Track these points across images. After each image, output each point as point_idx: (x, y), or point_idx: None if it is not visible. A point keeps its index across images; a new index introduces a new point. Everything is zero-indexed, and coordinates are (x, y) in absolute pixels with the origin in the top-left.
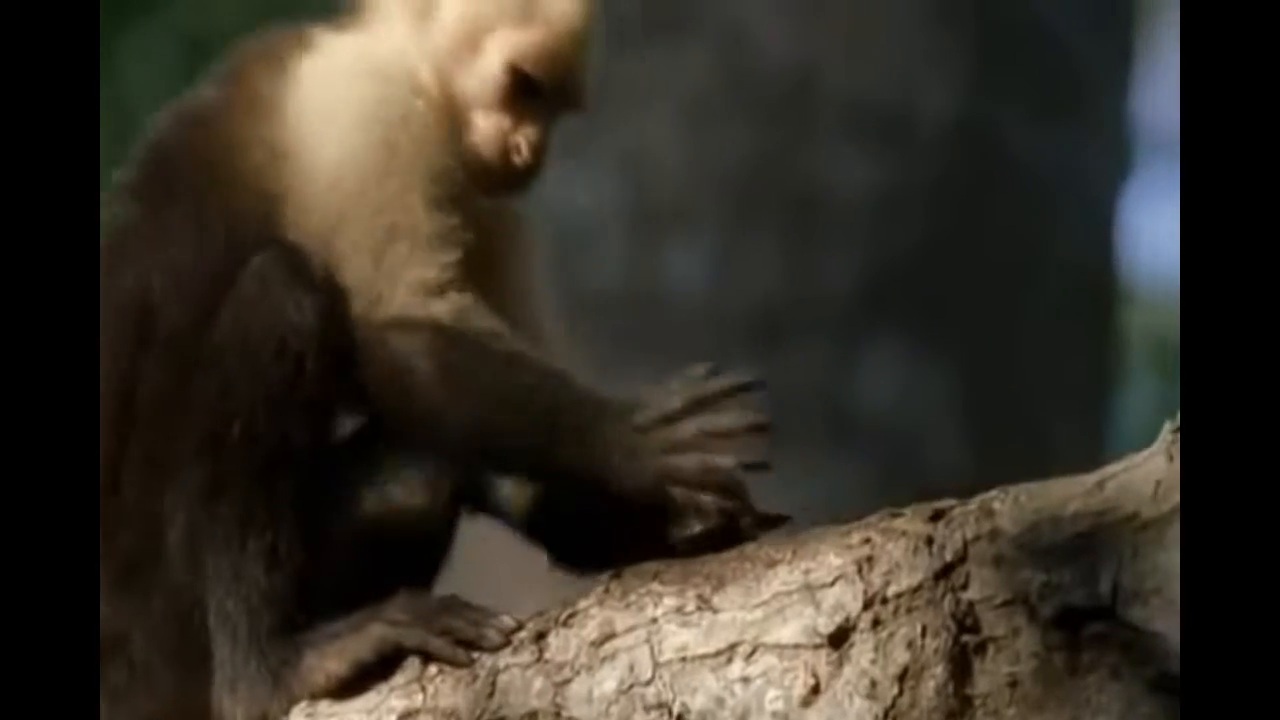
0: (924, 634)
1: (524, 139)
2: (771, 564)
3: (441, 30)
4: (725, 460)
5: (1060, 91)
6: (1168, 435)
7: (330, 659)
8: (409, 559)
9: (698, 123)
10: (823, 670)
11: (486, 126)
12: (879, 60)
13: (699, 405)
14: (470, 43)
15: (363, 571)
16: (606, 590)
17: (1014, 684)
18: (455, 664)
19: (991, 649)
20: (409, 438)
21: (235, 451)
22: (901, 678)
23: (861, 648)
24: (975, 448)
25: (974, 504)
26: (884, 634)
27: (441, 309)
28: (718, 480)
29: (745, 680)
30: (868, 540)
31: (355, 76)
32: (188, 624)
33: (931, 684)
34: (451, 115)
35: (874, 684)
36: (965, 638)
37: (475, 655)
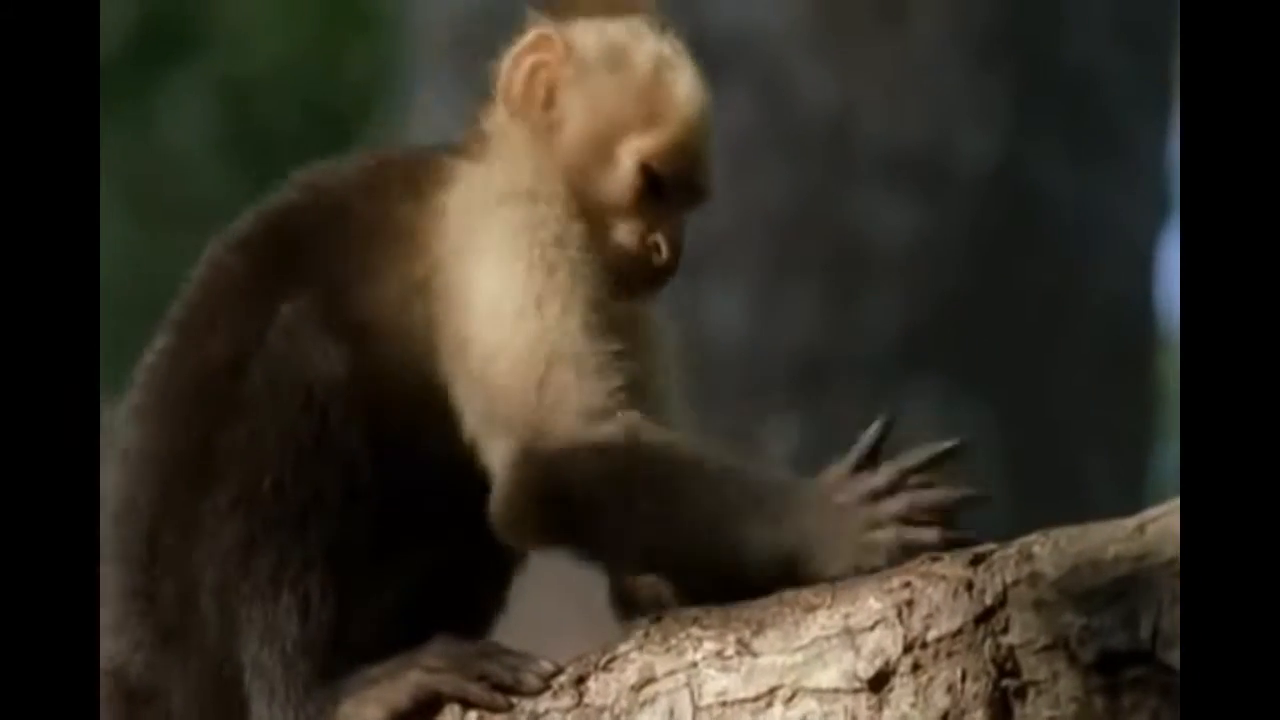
0: (964, 678)
1: (663, 238)
2: (811, 608)
3: (569, 144)
4: (928, 534)
5: (1098, 135)
6: None
7: (368, 706)
8: (460, 607)
9: (737, 167)
10: (863, 715)
11: (625, 231)
12: (918, 105)
13: (904, 477)
14: (599, 152)
15: (410, 622)
16: (646, 634)
17: None
18: (494, 709)
19: (1032, 693)
20: (590, 558)
21: (266, 504)
22: None
23: (901, 692)
24: (1015, 492)
25: (1014, 548)
26: (924, 678)
27: (611, 431)
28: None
29: None
30: (907, 584)
31: (502, 205)
32: (224, 680)
33: None
34: (591, 227)
35: None
36: (1005, 682)
37: (514, 701)
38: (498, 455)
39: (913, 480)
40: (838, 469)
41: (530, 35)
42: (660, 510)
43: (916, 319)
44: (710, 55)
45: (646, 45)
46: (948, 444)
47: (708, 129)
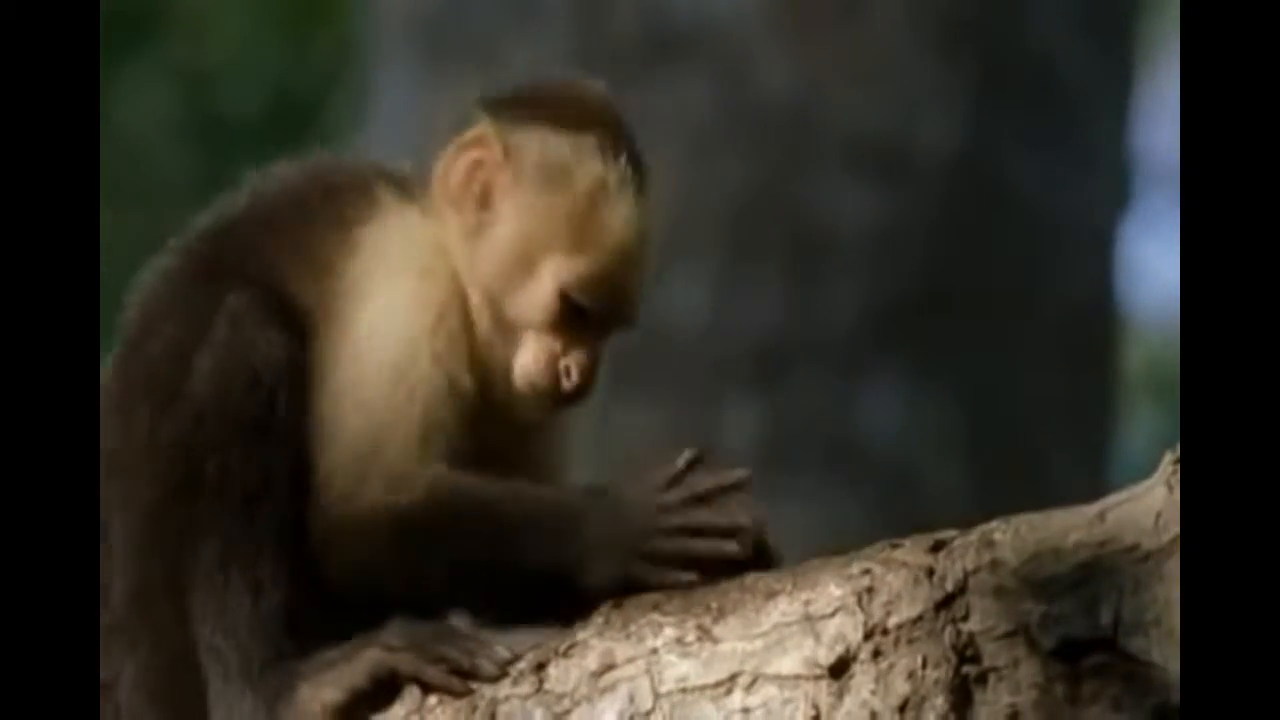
0: (924, 665)
1: (574, 363)
2: (771, 595)
3: (495, 249)
4: (703, 544)
5: (1059, 124)
6: (1168, 466)
7: (325, 688)
8: None
9: (698, 155)
10: (823, 701)
11: (536, 349)
12: (879, 92)
13: (689, 502)
14: (523, 265)
15: (363, 603)
16: (606, 621)
17: (1015, 715)
18: (451, 693)
19: (992, 680)
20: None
21: (212, 489)
22: (902, 709)
23: (862, 679)
24: (976, 479)
25: (975, 535)
26: (884, 665)
27: (408, 494)
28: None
29: (745, 711)
30: (868, 571)
31: (405, 265)
32: (176, 668)
33: (932, 715)
34: (504, 335)
35: (874, 715)
36: (966, 669)
37: (472, 686)
38: (318, 496)
39: (705, 498)
40: (643, 481)
41: (474, 132)
42: (450, 550)
43: (877, 306)
44: (671, 42)
45: (588, 167)
46: (737, 473)
47: (638, 260)
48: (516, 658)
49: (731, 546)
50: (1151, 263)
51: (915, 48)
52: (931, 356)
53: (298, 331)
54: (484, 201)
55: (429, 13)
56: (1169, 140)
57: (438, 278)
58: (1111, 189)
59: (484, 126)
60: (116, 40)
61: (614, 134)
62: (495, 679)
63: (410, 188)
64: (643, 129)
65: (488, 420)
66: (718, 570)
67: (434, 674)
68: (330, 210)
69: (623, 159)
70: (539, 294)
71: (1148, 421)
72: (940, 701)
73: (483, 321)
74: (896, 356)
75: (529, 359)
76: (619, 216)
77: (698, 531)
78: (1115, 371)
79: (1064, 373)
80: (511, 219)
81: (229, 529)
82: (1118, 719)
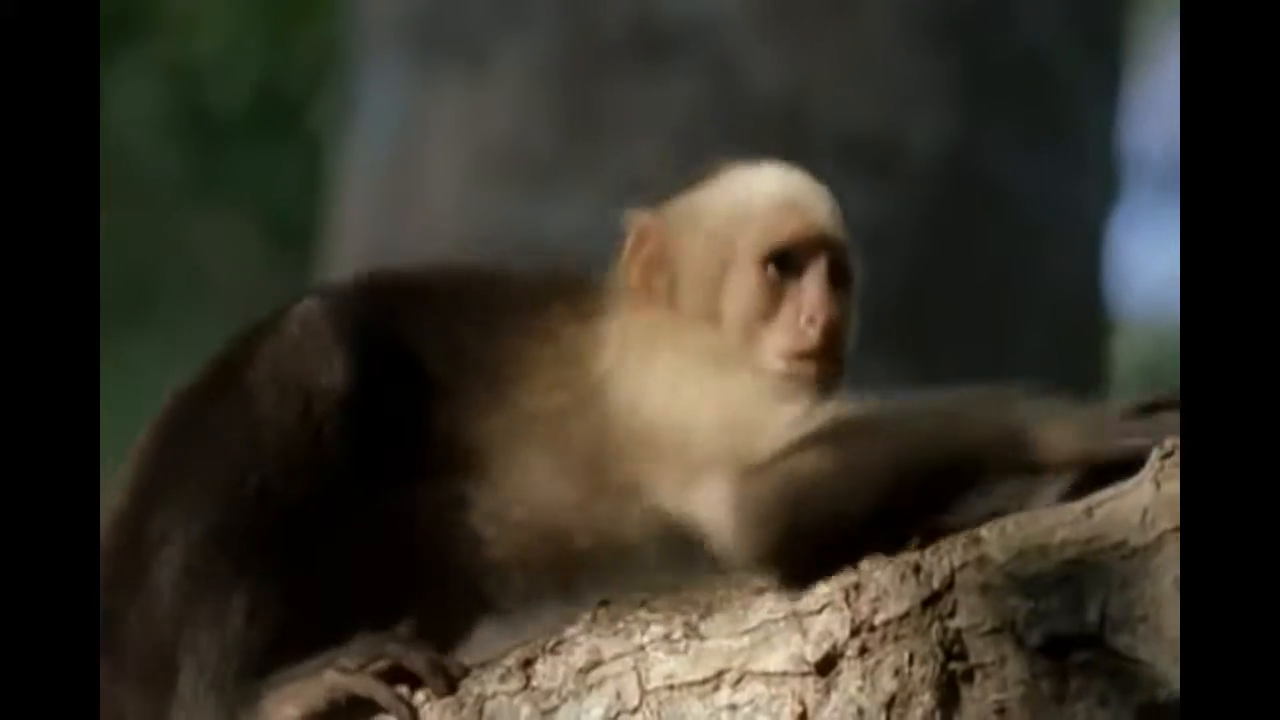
0: (911, 661)
1: (806, 315)
2: (759, 591)
3: (691, 288)
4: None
5: (1049, 121)
6: (1155, 463)
7: (286, 704)
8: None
9: (687, 152)
10: (810, 698)
11: (775, 329)
12: (868, 90)
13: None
14: (718, 277)
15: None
16: (594, 618)
17: (1001, 711)
18: (399, 716)
19: (979, 676)
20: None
21: (247, 503)
22: (889, 705)
23: (849, 675)
24: None
25: (961, 532)
26: (871, 662)
27: (806, 429)
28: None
29: (733, 708)
30: (855, 568)
31: (654, 334)
32: (157, 651)
33: (919, 711)
34: (747, 351)
35: (861, 711)
36: (953, 665)
37: (417, 707)
38: (710, 506)
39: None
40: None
41: (634, 230)
42: (882, 459)
43: (868, 303)
44: (661, 39)
45: (730, 181)
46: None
47: (801, 194)
48: (466, 671)
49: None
50: (1141, 260)
51: (905, 45)
52: (922, 354)
53: (363, 348)
54: (666, 267)
55: (416, 10)
56: (1158, 138)
57: (681, 329)
58: (1101, 186)
59: (638, 219)
60: (103, 37)
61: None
62: (444, 695)
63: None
64: (633, 127)
65: None
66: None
67: (384, 695)
68: (567, 305)
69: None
70: (744, 279)
71: None
72: (927, 698)
73: (737, 357)
74: (887, 354)
75: (774, 339)
76: (768, 185)
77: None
78: (1104, 368)
79: (1053, 369)
80: (692, 256)
81: (249, 547)
82: (1104, 715)
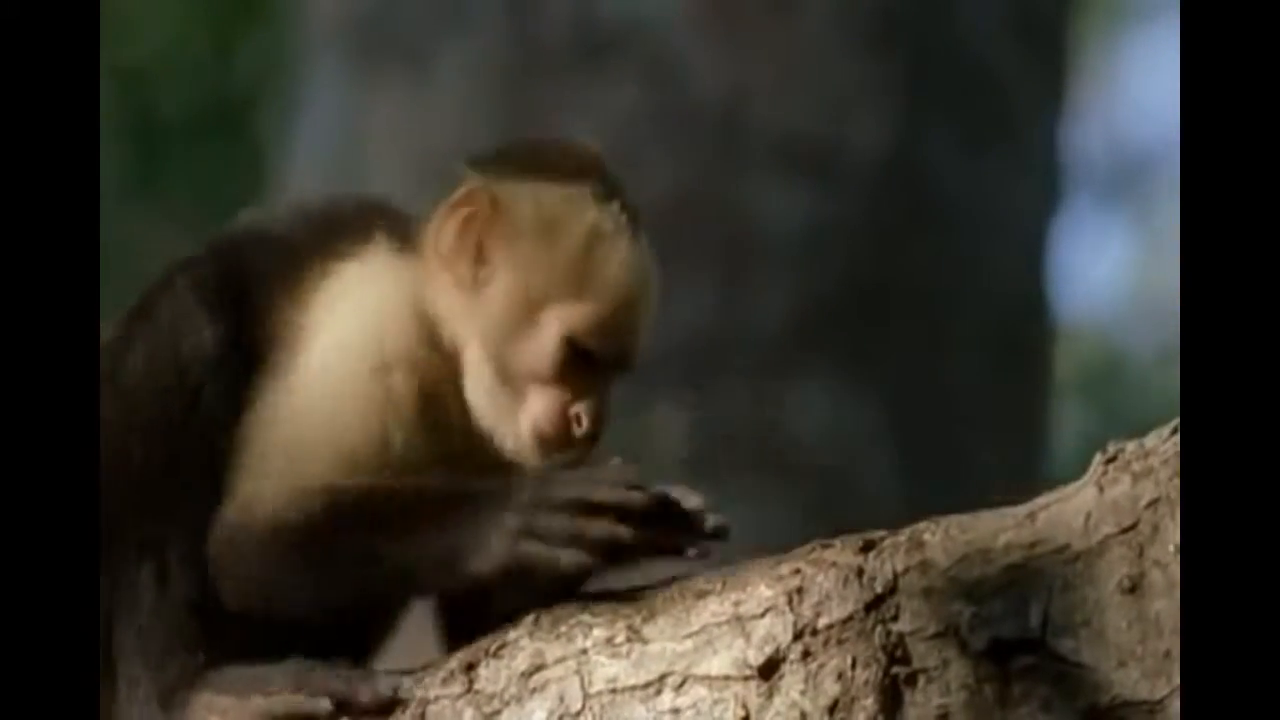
0: (854, 665)
1: (584, 411)
2: (701, 595)
3: (494, 304)
4: (566, 555)
5: (990, 124)
6: (1098, 467)
7: (214, 716)
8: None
9: (627, 156)
10: (753, 702)
11: (545, 399)
12: (808, 93)
13: (582, 507)
14: (524, 318)
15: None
16: (536, 621)
17: (944, 716)
18: None
19: (922, 681)
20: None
21: (135, 473)
22: (832, 709)
23: (792, 679)
24: (906, 480)
25: (904, 535)
26: (814, 665)
27: (306, 507)
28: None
29: (675, 711)
30: (798, 571)
31: (367, 305)
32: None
33: (862, 716)
34: (511, 389)
35: (804, 715)
36: (896, 669)
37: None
38: (221, 512)
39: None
40: (537, 478)
41: (463, 190)
42: (342, 551)
43: (808, 306)
44: (599, 40)
45: (583, 215)
46: (643, 499)
47: (640, 303)
48: (397, 688)
49: (625, 531)
50: (1082, 264)
51: (845, 48)
52: (862, 357)
53: (234, 317)
54: (479, 257)
55: (359, 14)
56: (1100, 141)
57: (398, 329)
58: (1042, 190)
59: (472, 183)
60: None
61: (604, 182)
62: (373, 711)
63: (412, 240)
64: (574, 130)
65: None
66: (622, 555)
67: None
68: (325, 242)
69: (615, 204)
70: (543, 343)
71: (1077, 422)
72: (870, 702)
73: (484, 377)
74: (827, 357)
75: (538, 410)
76: (618, 260)
77: (593, 509)
78: (1045, 372)
79: (994, 373)
80: (509, 272)
81: (144, 517)
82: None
